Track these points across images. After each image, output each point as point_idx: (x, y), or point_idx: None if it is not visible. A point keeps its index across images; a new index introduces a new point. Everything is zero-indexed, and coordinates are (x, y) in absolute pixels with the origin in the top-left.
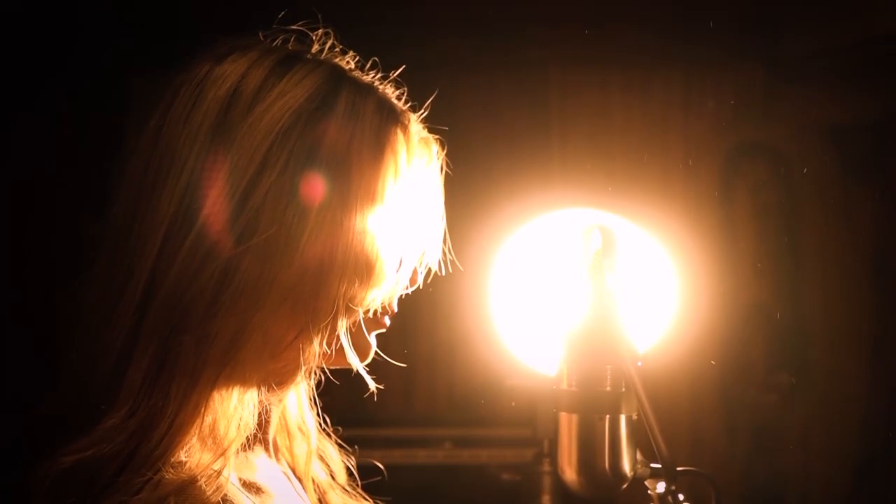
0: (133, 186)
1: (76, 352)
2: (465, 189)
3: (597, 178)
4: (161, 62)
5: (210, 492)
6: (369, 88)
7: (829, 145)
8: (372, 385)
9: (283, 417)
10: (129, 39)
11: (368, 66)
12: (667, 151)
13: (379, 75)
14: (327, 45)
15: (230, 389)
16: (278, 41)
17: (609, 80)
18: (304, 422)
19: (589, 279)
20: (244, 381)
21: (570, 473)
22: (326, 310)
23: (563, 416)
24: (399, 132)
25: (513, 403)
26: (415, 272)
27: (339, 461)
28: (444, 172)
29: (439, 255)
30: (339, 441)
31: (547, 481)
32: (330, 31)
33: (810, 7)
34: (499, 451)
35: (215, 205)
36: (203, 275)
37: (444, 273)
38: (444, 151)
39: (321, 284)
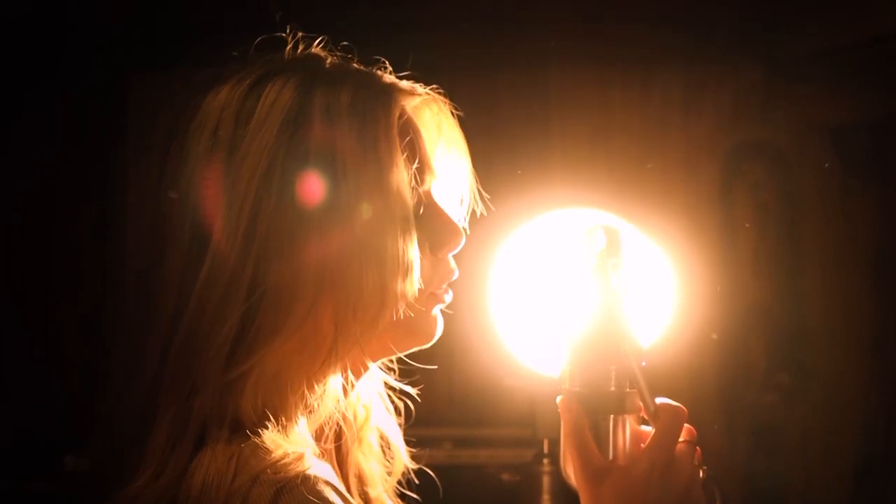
0: (145, 239)
1: (108, 403)
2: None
3: (597, 177)
4: (161, 62)
5: (299, 464)
6: (342, 81)
7: (829, 145)
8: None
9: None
10: (129, 39)
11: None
12: (667, 151)
13: (352, 58)
14: (300, 39)
15: (272, 424)
16: (251, 52)
17: (609, 80)
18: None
19: (593, 279)
20: (287, 417)
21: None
22: (370, 312)
23: None
24: (381, 116)
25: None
26: (454, 230)
27: (401, 457)
28: (457, 118)
29: (472, 205)
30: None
31: (547, 481)
32: (292, 26)
33: (810, 7)
34: (499, 451)
35: (218, 256)
36: (219, 331)
37: (481, 214)
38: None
39: (347, 309)
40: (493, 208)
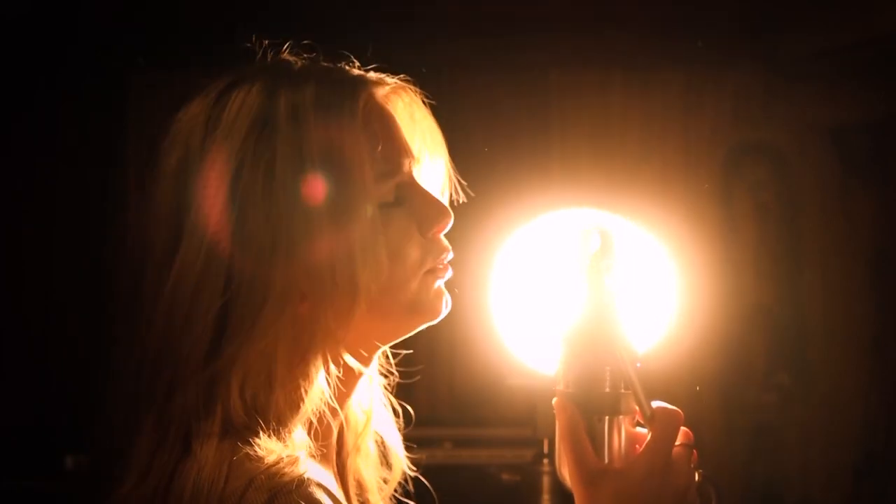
0: (133, 257)
1: (108, 407)
2: (464, 188)
3: (597, 177)
4: (161, 62)
5: (294, 468)
6: (307, 80)
7: (829, 145)
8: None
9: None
10: (130, 39)
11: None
12: (667, 152)
13: (315, 54)
14: (266, 47)
15: (264, 426)
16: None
17: (609, 81)
18: (369, 391)
19: (587, 281)
20: (279, 417)
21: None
22: (345, 303)
23: None
24: (346, 106)
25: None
26: (440, 209)
27: (399, 462)
28: (428, 106)
29: (448, 181)
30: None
31: (547, 481)
32: (259, 37)
33: (811, 7)
34: (499, 451)
35: (188, 256)
36: (193, 329)
37: (459, 202)
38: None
39: (322, 300)
40: (472, 194)
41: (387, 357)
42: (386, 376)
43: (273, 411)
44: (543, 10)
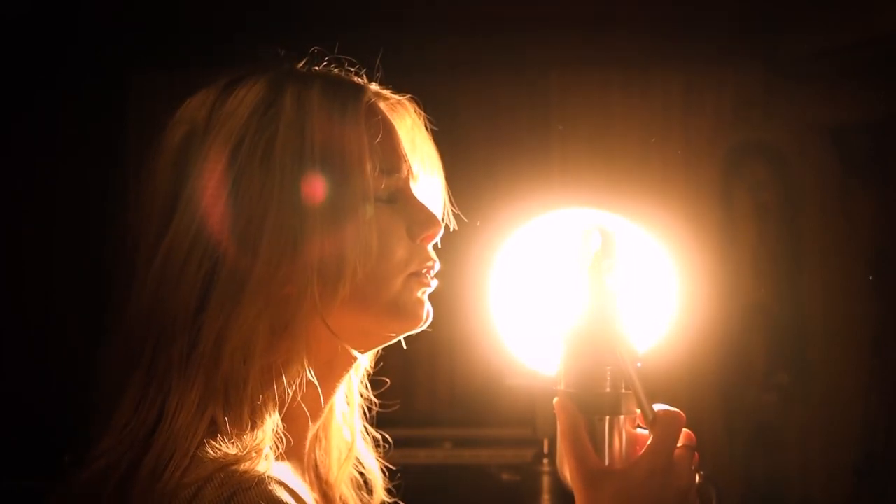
0: (131, 227)
1: (100, 371)
2: (465, 189)
3: (597, 177)
4: (161, 61)
5: (255, 466)
6: (314, 77)
7: (829, 145)
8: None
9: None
10: (130, 38)
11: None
12: (667, 151)
13: (326, 63)
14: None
15: (237, 416)
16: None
17: (609, 81)
18: (350, 418)
19: (588, 280)
20: (252, 400)
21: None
22: (330, 280)
23: None
24: (350, 101)
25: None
26: (430, 217)
27: (380, 489)
28: (430, 130)
29: (442, 206)
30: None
31: (547, 481)
32: (281, 50)
33: (811, 7)
34: (499, 451)
35: (181, 226)
36: (180, 296)
37: (452, 229)
38: (422, 108)
39: (308, 276)
40: (465, 219)
41: (367, 388)
42: (369, 408)
43: (251, 385)
44: (543, 10)
